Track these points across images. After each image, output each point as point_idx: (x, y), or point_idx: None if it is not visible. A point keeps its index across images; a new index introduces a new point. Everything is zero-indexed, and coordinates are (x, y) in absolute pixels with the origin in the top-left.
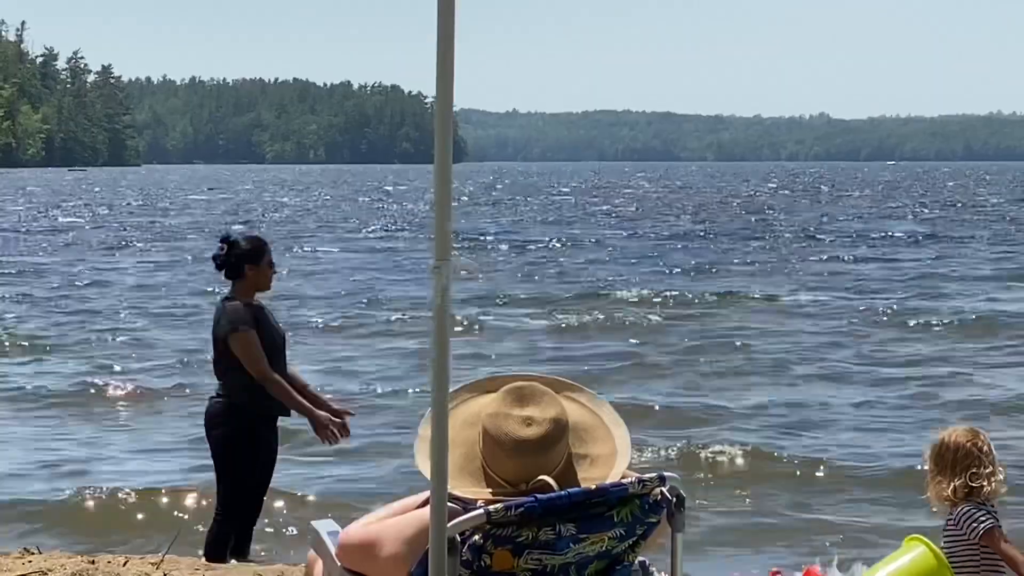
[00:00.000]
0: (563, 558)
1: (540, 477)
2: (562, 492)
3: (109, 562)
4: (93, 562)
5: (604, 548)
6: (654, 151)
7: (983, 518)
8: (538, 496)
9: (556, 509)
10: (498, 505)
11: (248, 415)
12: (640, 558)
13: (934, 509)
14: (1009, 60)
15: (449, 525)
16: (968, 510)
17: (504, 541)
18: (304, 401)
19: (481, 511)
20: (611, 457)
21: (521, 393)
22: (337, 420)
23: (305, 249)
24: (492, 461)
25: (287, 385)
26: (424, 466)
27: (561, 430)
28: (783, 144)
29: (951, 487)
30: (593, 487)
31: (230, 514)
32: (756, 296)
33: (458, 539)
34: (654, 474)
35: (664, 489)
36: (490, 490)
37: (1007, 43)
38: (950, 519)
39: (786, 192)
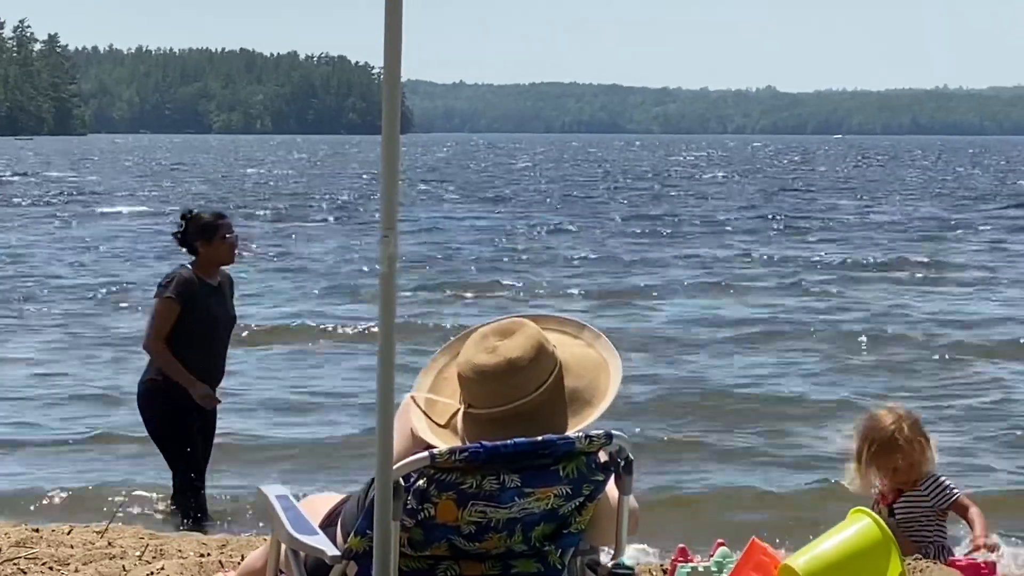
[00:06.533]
0: (508, 512)
1: (513, 404)
2: (507, 441)
3: (53, 531)
4: (37, 531)
5: (550, 506)
6: (601, 123)
7: (951, 487)
8: (483, 443)
9: (500, 457)
10: (442, 448)
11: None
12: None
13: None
14: (955, 34)
15: (395, 467)
16: (934, 481)
17: (448, 487)
18: (185, 373)
19: (425, 453)
20: (600, 396)
21: (498, 328)
22: (212, 395)
23: None
24: (466, 396)
25: (171, 357)
26: (419, 424)
27: (531, 357)
28: (730, 117)
29: (879, 485)
30: (539, 438)
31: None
32: None
33: (402, 482)
34: (601, 431)
35: (612, 450)
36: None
37: (953, 17)
38: (916, 489)
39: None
